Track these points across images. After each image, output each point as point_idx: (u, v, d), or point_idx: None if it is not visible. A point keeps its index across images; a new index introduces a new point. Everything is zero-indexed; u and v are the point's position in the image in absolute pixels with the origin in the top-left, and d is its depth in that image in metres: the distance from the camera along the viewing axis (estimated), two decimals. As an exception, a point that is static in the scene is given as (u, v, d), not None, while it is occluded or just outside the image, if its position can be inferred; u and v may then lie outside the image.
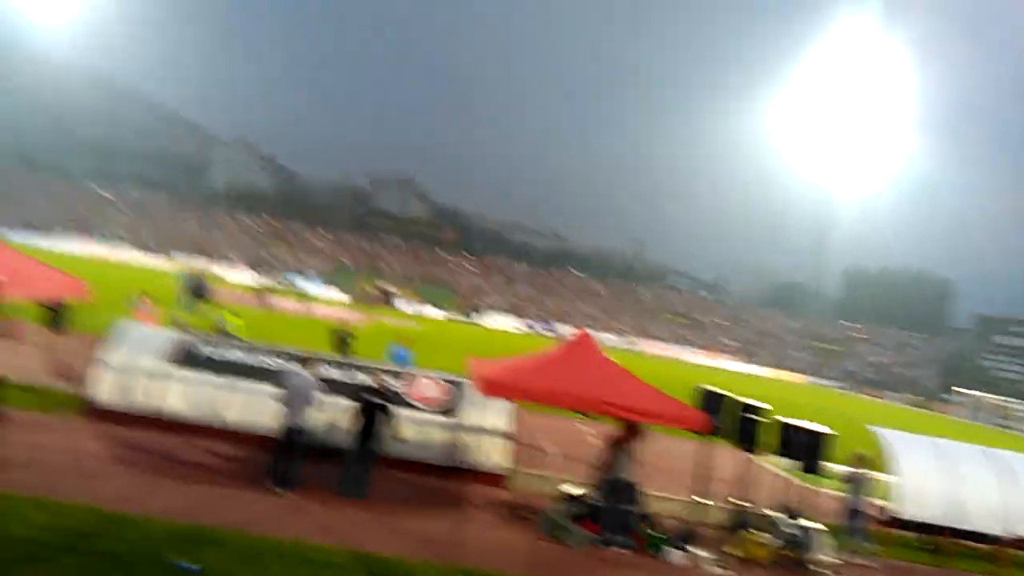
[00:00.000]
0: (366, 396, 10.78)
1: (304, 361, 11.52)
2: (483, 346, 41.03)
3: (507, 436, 13.16)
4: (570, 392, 10.20)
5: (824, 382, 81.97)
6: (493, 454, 13.07)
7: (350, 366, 13.54)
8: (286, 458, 10.31)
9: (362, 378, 12.97)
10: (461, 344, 39.81)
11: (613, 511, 11.05)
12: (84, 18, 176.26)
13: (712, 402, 12.52)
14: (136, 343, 13.08)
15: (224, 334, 16.80)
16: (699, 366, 68.14)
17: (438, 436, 12.98)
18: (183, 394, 12.56)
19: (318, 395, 10.87)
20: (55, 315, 16.73)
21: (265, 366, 12.99)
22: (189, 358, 12.97)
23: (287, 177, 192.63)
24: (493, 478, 12.86)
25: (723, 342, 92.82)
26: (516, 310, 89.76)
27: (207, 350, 13.18)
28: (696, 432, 10.68)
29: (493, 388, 10.15)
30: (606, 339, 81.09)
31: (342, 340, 20.60)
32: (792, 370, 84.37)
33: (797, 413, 14.43)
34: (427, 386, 13.55)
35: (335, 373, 13.05)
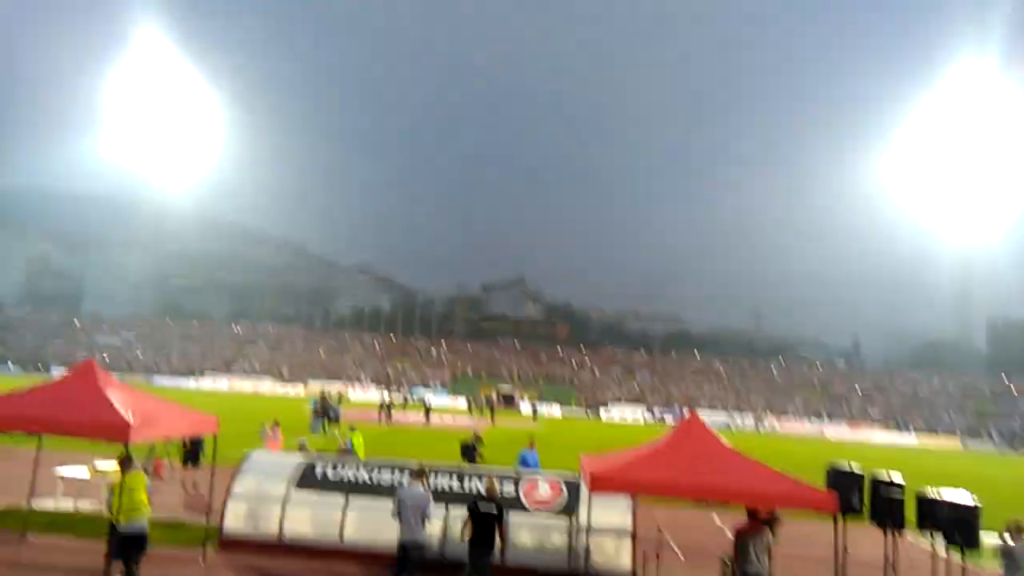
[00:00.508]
0: (476, 504, 10.73)
1: (417, 474, 11.67)
2: (607, 440, 40.17)
3: (629, 534, 12.68)
4: (681, 481, 9.82)
5: (983, 444, 74.43)
6: (615, 554, 12.58)
7: (461, 474, 13.57)
8: (406, 574, 10.35)
9: (474, 485, 12.97)
10: (584, 441, 39.18)
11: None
12: (215, 174, 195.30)
13: (845, 480, 11.69)
14: (263, 471, 13.70)
15: (347, 453, 17.34)
16: (841, 441, 63.60)
17: (556, 539, 12.67)
18: (305, 517, 12.95)
19: (432, 507, 10.92)
20: (190, 451, 17.89)
21: (380, 482, 13.26)
22: (310, 480, 13.43)
23: (405, 295, 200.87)
24: (617, 580, 12.33)
25: (867, 412, 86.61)
26: (639, 400, 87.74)
27: (326, 471, 13.62)
28: (824, 512, 9.96)
29: (600, 483, 9.92)
30: (737, 421, 77.58)
31: (470, 449, 20.74)
32: (947, 434, 77.26)
33: (951, 482, 13.18)
34: (542, 488, 13.37)
35: (446, 483, 13.13)
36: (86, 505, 14.79)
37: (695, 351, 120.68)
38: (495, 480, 11.28)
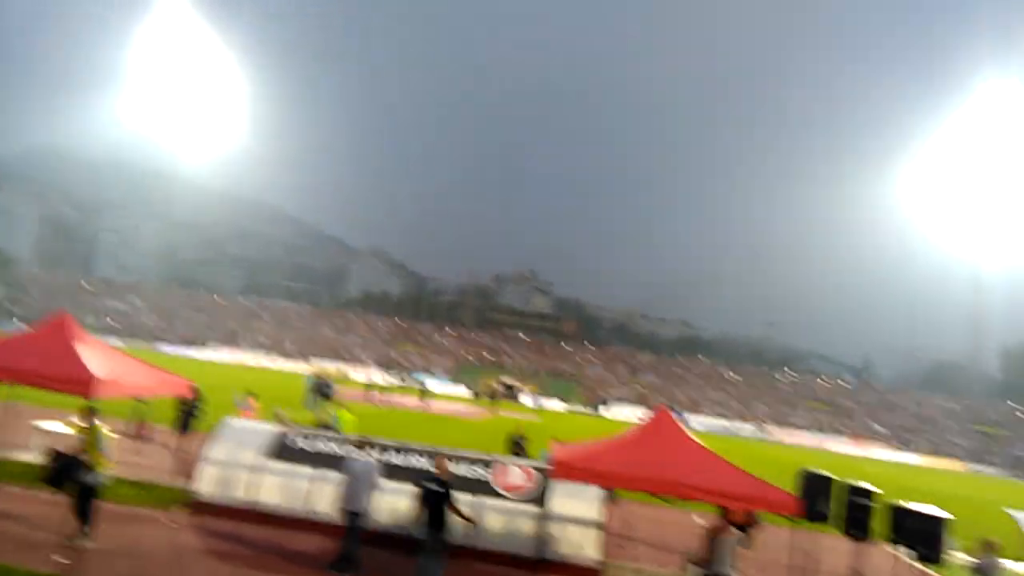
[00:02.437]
0: (425, 483, 10.63)
1: (360, 445, 11.68)
2: (604, 436, 40.00)
3: (598, 525, 12.60)
4: (644, 474, 9.74)
5: (987, 469, 73.69)
6: (583, 545, 12.49)
7: (411, 451, 13.60)
8: (347, 541, 10.41)
9: (423, 463, 13.06)
10: (581, 436, 39.00)
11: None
12: (235, 149, 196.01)
13: (816, 486, 11.56)
14: (237, 438, 13.72)
15: (328, 428, 17.31)
16: (842, 455, 63.15)
17: (525, 526, 12.61)
18: (277, 486, 12.95)
19: (378, 478, 10.94)
20: (183, 417, 17.97)
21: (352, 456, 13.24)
22: (284, 451, 13.43)
23: (416, 281, 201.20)
24: (583, 570, 12.24)
25: (872, 429, 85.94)
26: (642, 400, 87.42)
27: (301, 443, 13.62)
28: (784, 513, 9.82)
29: (564, 471, 9.86)
30: (739, 428, 77.23)
31: (517, 442, 20.65)
32: (951, 457, 76.52)
33: (943, 503, 12.93)
34: (514, 474, 13.30)
35: (397, 459, 13.19)
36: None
37: (702, 356, 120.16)
38: (445, 460, 11.19)
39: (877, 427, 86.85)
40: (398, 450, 13.58)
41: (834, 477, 11.62)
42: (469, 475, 13.18)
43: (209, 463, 13.21)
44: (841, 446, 74.13)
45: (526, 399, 73.60)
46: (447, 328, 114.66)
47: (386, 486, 12.59)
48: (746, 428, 78.10)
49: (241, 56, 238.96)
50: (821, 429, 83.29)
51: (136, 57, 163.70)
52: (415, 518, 10.35)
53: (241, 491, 12.95)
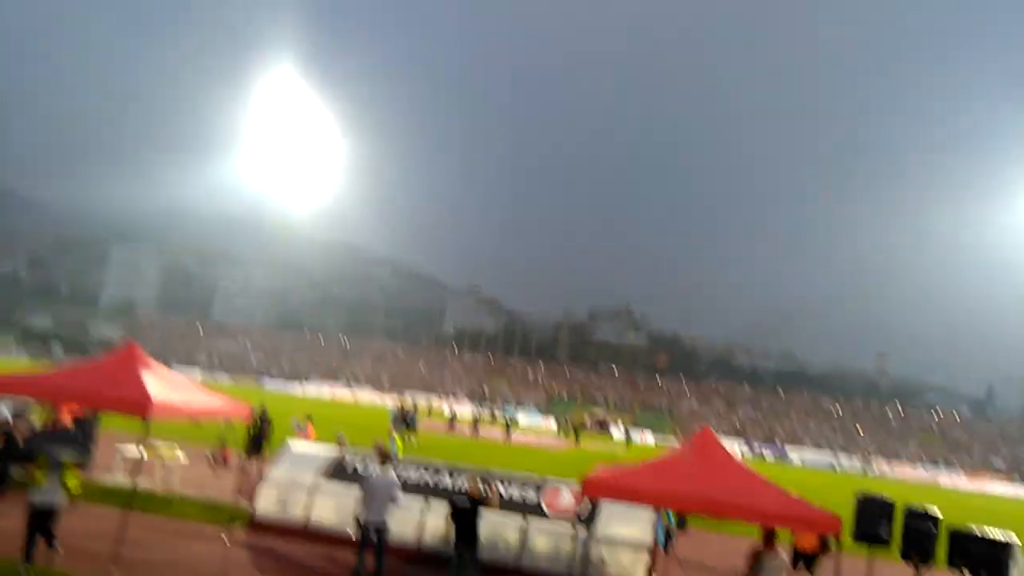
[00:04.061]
0: (455, 500, 10.78)
1: (383, 459, 11.92)
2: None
3: (647, 548, 12.33)
4: (676, 492, 9.51)
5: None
6: (632, 568, 12.25)
7: (447, 471, 13.78)
8: (369, 554, 10.71)
9: (456, 482, 13.22)
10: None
11: (752, 633, 9.81)
12: (337, 199, 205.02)
13: (872, 508, 10.95)
14: (297, 460, 14.28)
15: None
16: (953, 490, 58.79)
17: (573, 548, 12.49)
18: (331, 506, 13.35)
19: (399, 492, 11.16)
20: (252, 441, 18.83)
21: (407, 479, 13.48)
22: (339, 472, 13.87)
23: (510, 317, 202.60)
24: (630, 593, 11.99)
25: (989, 462, 79.73)
26: (739, 434, 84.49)
27: (355, 465, 14.02)
28: (829, 535, 9.37)
29: (592, 488, 9.77)
30: (840, 462, 73.27)
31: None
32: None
33: None
34: (565, 496, 13.24)
35: (428, 476, 13.49)
36: (143, 482, 15.85)
37: (806, 390, 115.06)
38: (477, 479, 11.32)
39: (996, 460, 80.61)
40: (449, 472, 13.78)
41: (893, 500, 10.98)
42: (519, 497, 13.22)
43: (269, 483, 13.79)
44: (954, 481, 69.02)
45: (616, 432, 72.48)
46: (540, 363, 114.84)
47: (432, 506, 12.83)
48: (851, 462, 74.00)
49: (339, 112, 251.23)
50: (934, 463, 77.98)
51: (246, 119, 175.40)
52: (446, 535, 10.49)
53: (299, 511, 13.43)
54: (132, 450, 16.27)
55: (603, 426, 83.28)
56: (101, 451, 18.76)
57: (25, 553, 9.47)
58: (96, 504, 13.66)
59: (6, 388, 11.18)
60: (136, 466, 15.47)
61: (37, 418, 14.30)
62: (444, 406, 73.15)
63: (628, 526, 12.50)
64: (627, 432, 65.46)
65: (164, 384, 11.34)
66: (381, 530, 10.72)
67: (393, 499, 10.86)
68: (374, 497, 10.71)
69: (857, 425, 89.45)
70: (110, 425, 20.18)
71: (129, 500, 11.24)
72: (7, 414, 10.53)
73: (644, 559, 12.19)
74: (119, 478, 15.78)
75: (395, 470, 13.66)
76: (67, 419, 15.99)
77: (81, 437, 16.06)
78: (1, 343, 79.07)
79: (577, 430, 55.48)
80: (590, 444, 52.14)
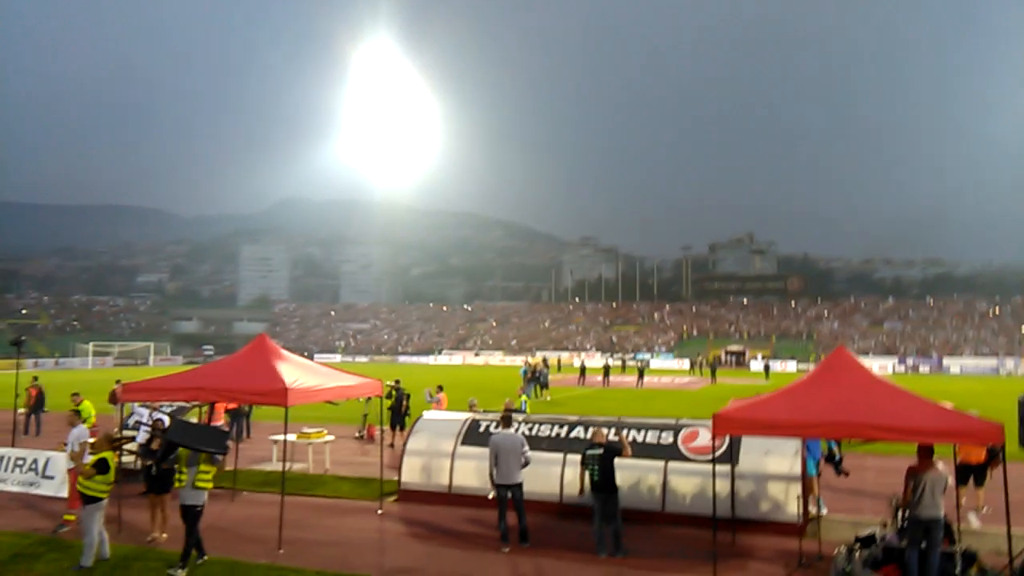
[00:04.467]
0: (586, 451, 10.71)
1: (506, 421, 11.92)
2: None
3: (797, 480, 11.86)
4: (815, 420, 9.02)
5: None
6: (781, 501, 11.84)
7: (579, 424, 13.69)
8: (510, 513, 10.87)
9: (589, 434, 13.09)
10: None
11: (919, 555, 9.25)
12: (442, 169, 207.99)
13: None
14: (434, 430, 14.71)
15: (518, 412, 17.92)
16: None
17: (718, 487, 12.20)
18: (470, 469, 13.67)
19: (527, 449, 11.16)
20: (393, 416, 19.58)
21: (539, 435, 13.59)
22: (474, 436, 14.15)
23: (630, 262, 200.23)
24: (783, 526, 11.58)
25: None
26: (889, 350, 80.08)
27: (489, 427, 14.26)
28: (994, 445, 8.63)
29: (723, 425, 9.45)
30: (1006, 366, 68.08)
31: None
32: None
33: None
34: (703, 436, 12.92)
35: (561, 431, 13.53)
36: (297, 466, 16.82)
37: (957, 295, 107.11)
38: (601, 430, 11.24)
39: None
40: (582, 425, 13.74)
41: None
42: (655, 441, 13.04)
43: (411, 454, 14.29)
44: None
45: (755, 364, 70.53)
46: (665, 305, 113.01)
47: (568, 459, 12.86)
48: (1016, 365, 68.66)
49: (435, 80, 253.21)
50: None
51: (350, 104, 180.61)
52: (582, 485, 10.51)
53: (441, 477, 13.85)
54: (281, 437, 17.28)
55: (740, 360, 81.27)
56: (256, 440, 20.13)
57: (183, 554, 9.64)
58: (255, 491, 14.66)
59: (151, 393, 12.06)
60: (288, 451, 16.45)
61: (194, 416, 15.38)
62: (574, 359, 73.52)
63: (773, 459, 12.07)
64: (766, 363, 63.51)
65: (297, 370, 11.91)
66: (514, 489, 10.83)
67: (522, 457, 10.93)
68: (502, 457, 10.82)
69: (1019, 324, 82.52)
70: (261, 416, 21.61)
71: (284, 484, 11.91)
72: (165, 420, 11.30)
73: (795, 490, 11.75)
74: (274, 465, 16.81)
75: (524, 427, 13.84)
76: (220, 413, 17.16)
77: (226, 431, 17.17)
78: (159, 351, 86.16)
79: (713, 367, 54.34)
80: (727, 380, 51.00)
